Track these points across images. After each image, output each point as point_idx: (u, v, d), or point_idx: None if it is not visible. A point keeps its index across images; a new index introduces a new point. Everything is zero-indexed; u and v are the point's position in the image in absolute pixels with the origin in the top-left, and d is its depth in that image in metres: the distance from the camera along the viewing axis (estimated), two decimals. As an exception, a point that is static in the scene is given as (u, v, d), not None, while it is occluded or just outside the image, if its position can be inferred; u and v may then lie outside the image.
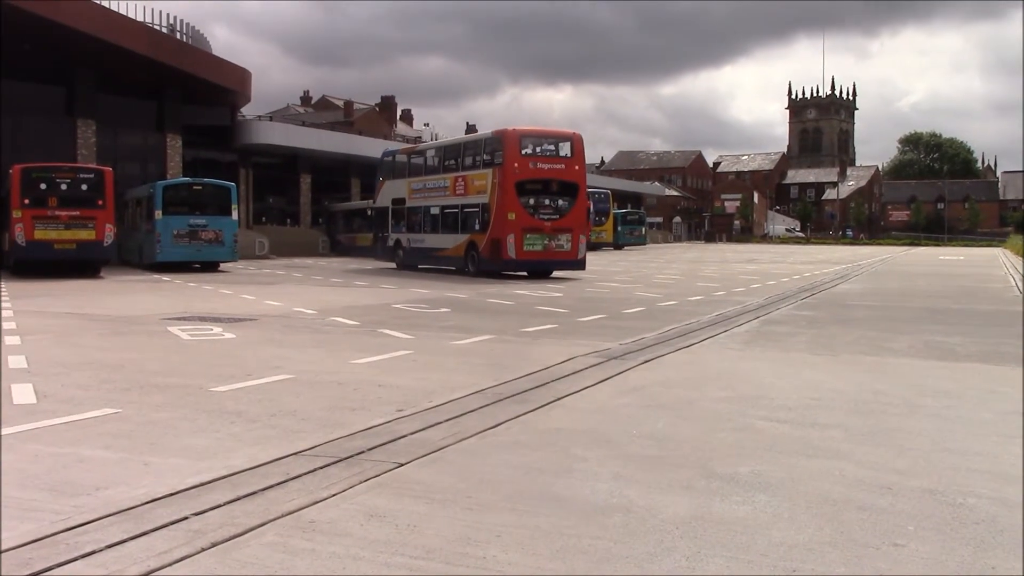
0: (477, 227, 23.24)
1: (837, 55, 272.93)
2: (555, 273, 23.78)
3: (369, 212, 38.40)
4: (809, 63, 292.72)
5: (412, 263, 26.75)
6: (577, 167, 23.27)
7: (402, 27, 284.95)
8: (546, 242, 22.45)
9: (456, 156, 25.32)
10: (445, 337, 10.28)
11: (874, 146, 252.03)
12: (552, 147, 23.47)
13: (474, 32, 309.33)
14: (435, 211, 25.63)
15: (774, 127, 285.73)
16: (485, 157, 23.47)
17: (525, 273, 23.30)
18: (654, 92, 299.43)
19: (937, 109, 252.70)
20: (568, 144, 23.34)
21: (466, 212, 23.88)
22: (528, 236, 22.20)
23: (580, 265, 23.48)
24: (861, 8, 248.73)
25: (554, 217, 22.59)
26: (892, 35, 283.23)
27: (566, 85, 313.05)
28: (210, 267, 26.43)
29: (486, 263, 22.85)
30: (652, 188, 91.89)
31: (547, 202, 22.64)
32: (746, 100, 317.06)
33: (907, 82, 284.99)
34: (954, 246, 73.81)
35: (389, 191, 28.34)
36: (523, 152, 22.54)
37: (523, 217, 22.14)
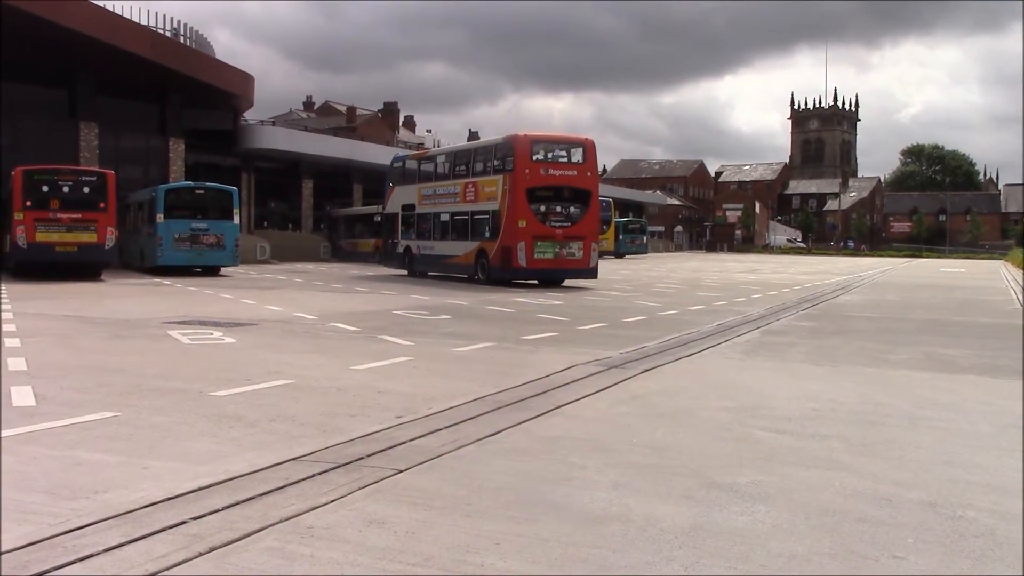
0: (487, 234, 22.85)
1: (837, 66, 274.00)
2: (564, 281, 23.42)
3: (377, 218, 38.63)
4: (809, 74, 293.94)
5: (422, 270, 26.61)
6: (589, 173, 22.85)
7: (403, 33, 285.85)
8: (557, 250, 22.03)
9: (467, 162, 25.01)
10: (445, 344, 10.28)
11: (874, 157, 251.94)
12: (564, 153, 23.12)
13: (475, 39, 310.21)
14: (445, 218, 25.38)
15: (773, 137, 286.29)
16: (496, 163, 23.11)
17: (536, 281, 23.04)
18: (654, 101, 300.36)
19: (937, 121, 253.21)
20: (581, 150, 22.94)
21: (476, 219, 23.61)
22: (539, 244, 21.82)
23: (592, 274, 22.98)
24: (863, 20, 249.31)
25: (565, 224, 22.19)
26: (893, 46, 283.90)
27: (567, 93, 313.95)
28: (211, 271, 26.44)
29: (496, 271, 22.44)
30: (654, 197, 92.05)
31: (559, 209, 22.26)
32: (745, 110, 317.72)
33: (907, 94, 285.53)
34: (955, 258, 73.79)
35: (399, 197, 28.17)
36: (534, 158, 22.08)
37: (534, 224, 21.75)
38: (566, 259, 22.22)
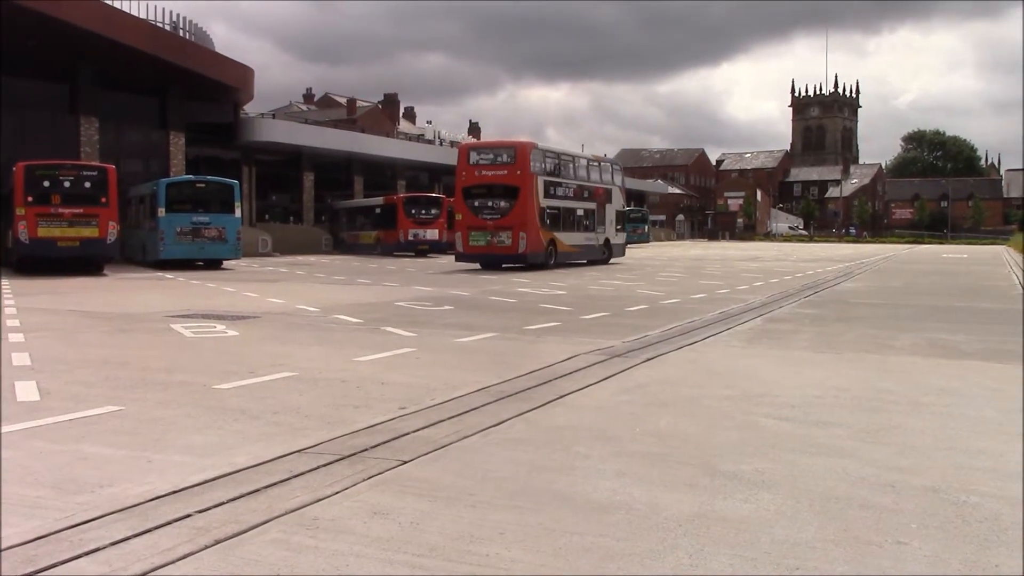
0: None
1: (834, 53, 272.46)
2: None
3: (378, 210, 39.95)
4: (806, 61, 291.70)
5: None
6: (519, 172, 25.65)
7: (401, 24, 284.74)
8: (489, 238, 25.73)
9: None
10: (448, 335, 10.29)
11: (873, 144, 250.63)
12: (497, 156, 26.67)
13: (473, 29, 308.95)
14: None
15: (771, 125, 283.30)
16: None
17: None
18: (651, 90, 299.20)
19: (935, 107, 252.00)
20: (512, 152, 26.24)
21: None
22: (473, 233, 25.95)
23: (522, 259, 25.70)
24: (862, 6, 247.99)
25: (496, 217, 25.69)
26: (891, 32, 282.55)
27: (564, 83, 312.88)
28: (213, 265, 26.46)
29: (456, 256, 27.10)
30: (655, 186, 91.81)
31: (490, 204, 25.88)
32: (743, 98, 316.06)
33: (904, 80, 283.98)
34: (957, 244, 73.64)
35: None
36: (471, 162, 26.45)
37: (468, 217, 26.07)
38: (496, 246, 25.74)
